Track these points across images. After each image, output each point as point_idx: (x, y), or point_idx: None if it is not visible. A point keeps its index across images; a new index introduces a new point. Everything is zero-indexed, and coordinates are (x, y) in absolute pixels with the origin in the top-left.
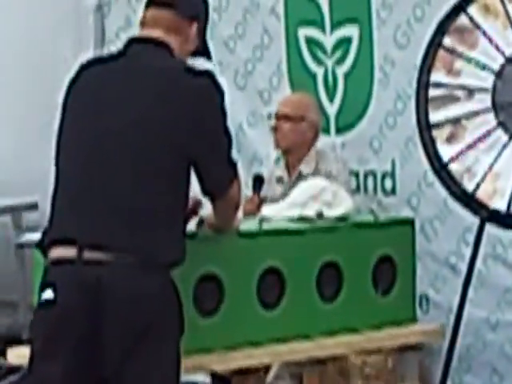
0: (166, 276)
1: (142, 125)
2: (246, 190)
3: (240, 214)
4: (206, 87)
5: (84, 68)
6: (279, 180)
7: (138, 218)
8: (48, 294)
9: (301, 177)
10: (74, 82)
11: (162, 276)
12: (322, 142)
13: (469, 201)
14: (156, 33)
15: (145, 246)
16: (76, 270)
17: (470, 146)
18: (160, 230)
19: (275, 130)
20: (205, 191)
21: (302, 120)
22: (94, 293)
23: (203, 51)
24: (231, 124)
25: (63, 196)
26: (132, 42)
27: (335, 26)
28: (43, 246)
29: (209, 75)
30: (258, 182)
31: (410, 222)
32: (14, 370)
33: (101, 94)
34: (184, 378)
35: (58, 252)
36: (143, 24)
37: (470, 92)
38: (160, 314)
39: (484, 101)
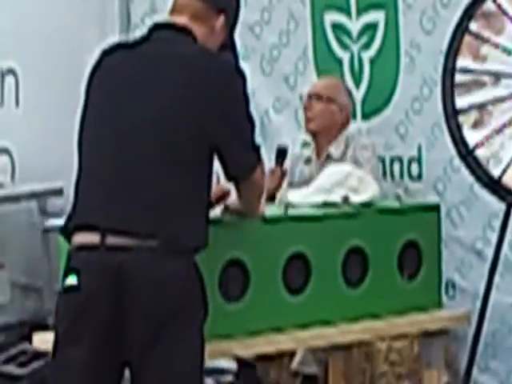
0: (189, 261)
1: (164, 111)
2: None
3: (264, 200)
4: (228, 72)
5: (106, 54)
6: (307, 161)
7: (161, 204)
8: (71, 279)
9: (329, 159)
10: (96, 67)
11: (185, 261)
12: (348, 127)
13: (495, 186)
14: (181, 19)
15: (168, 231)
16: (99, 256)
17: (496, 132)
18: (183, 215)
19: (306, 109)
20: (228, 176)
21: (333, 101)
22: (117, 279)
23: (229, 46)
24: (257, 110)
25: (86, 182)
26: (156, 27)
27: (361, 11)
28: (67, 231)
29: (231, 61)
30: (282, 154)
31: (435, 208)
32: (39, 355)
33: (123, 80)
34: (208, 363)
35: (81, 238)
36: (172, 11)
37: (497, 77)
38: (184, 299)
39: (510, 86)
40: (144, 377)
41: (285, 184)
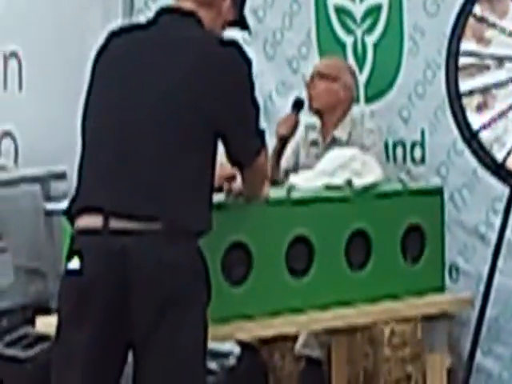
0: (192, 244)
1: (169, 95)
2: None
3: (267, 189)
4: (233, 57)
5: (113, 36)
6: (313, 143)
7: (165, 187)
8: (74, 263)
9: (335, 141)
10: (102, 50)
11: (188, 244)
12: (352, 110)
13: (498, 170)
14: (187, 4)
15: (171, 214)
16: (102, 239)
17: (499, 115)
18: (186, 198)
19: (308, 87)
20: (232, 161)
21: (336, 80)
22: (120, 262)
23: (240, 22)
24: (260, 93)
25: (90, 165)
26: (162, 12)
27: None
28: (70, 214)
29: (236, 46)
30: (298, 105)
31: (439, 191)
32: (42, 338)
33: (128, 64)
34: (212, 346)
35: (84, 221)
36: None
37: (500, 61)
38: (187, 283)
39: None
40: (147, 359)
41: (296, 145)
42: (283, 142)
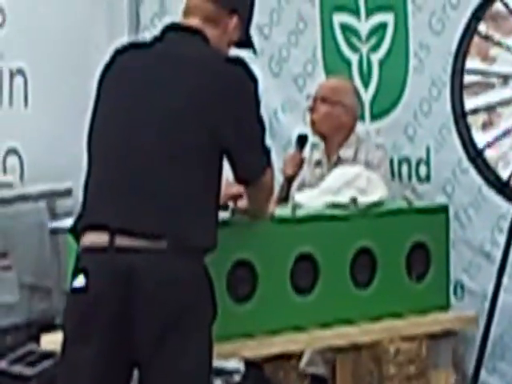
0: (198, 262)
1: (175, 112)
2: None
3: (273, 205)
4: (240, 75)
5: (119, 53)
6: (318, 163)
7: (171, 205)
8: (80, 280)
9: (340, 161)
10: (108, 67)
11: (194, 262)
12: (357, 128)
13: (503, 188)
14: (193, 22)
15: (177, 232)
16: (108, 257)
17: (504, 133)
18: (192, 216)
19: (311, 111)
20: (238, 178)
21: (338, 104)
22: (126, 280)
23: (246, 42)
24: (265, 110)
25: (96, 182)
26: (168, 29)
27: (370, 12)
28: (76, 231)
29: (242, 63)
30: (302, 140)
31: (444, 209)
32: (47, 355)
33: (134, 81)
34: (217, 364)
35: (90, 238)
36: (184, 13)
37: (505, 79)
38: (192, 300)
39: None
40: (152, 377)
41: (303, 171)
42: (290, 181)
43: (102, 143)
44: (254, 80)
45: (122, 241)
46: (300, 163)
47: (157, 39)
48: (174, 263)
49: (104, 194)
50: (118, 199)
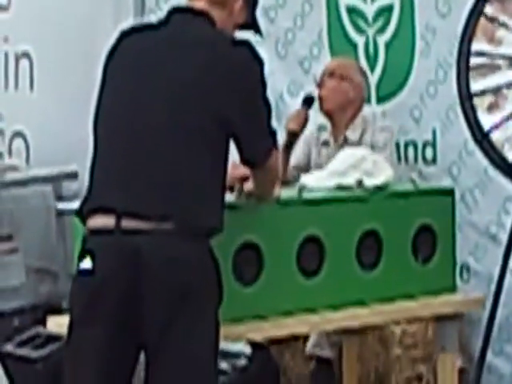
0: (204, 244)
1: (181, 95)
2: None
3: (278, 189)
4: (246, 58)
5: (124, 36)
6: (325, 143)
7: (177, 187)
8: (86, 263)
9: (347, 142)
10: (113, 50)
11: (200, 244)
12: (364, 111)
13: (510, 170)
14: (199, 4)
15: (183, 214)
16: (114, 239)
17: (510, 115)
18: (198, 198)
19: (318, 86)
20: (244, 161)
21: (345, 79)
22: (133, 262)
23: (252, 25)
24: (271, 93)
25: (102, 164)
26: (174, 11)
27: None
28: (82, 214)
29: (248, 46)
30: (308, 101)
31: (450, 192)
32: (53, 338)
33: (141, 63)
34: (223, 346)
35: (96, 221)
36: None
37: (511, 61)
38: (199, 282)
39: None
40: (159, 359)
41: (307, 129)
42: (293, 137)
43: (108, 126)
44: (260, 62)
45: (128, 223)
46: (304, 121)
47: (162, 22)
48: (180, 245)
49: (110, 176)
50: (124, 182)
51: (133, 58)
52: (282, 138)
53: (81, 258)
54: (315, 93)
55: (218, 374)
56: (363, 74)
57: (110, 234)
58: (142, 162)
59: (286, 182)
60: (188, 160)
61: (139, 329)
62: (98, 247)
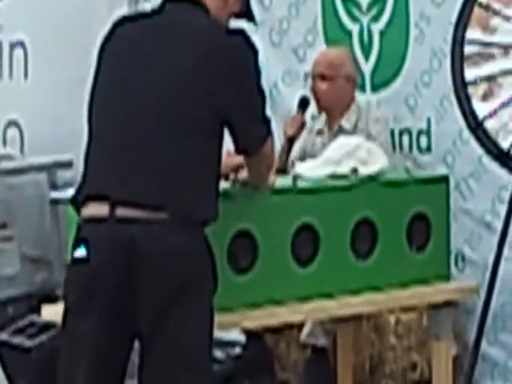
0: (199, 233)
1: (175, 83)
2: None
3: (273, 177)
4: (240, 46)
5: (118, 25)
6: (319, 132)
7: (171, 175)
8: (81, 251)
9: (341, 130)
10: (107, 39)
11: (195, 233)
12: (358, 99)
13: (504, 158)
14: None
15: (178, 203)
16: (109, 228)
17: (505, 104)
18: (193, 187)
19: (313, 90)
20: (238, 149)
21: (337, 78)
22: (127, 251)
23: (246, 14)
24: (266, 81)
25: (96, 153)
26: (169, 0)
27: None
28: (76, 202)
29: (242, 34)
30: (304, 103)
31: (444, 180)
32: (48, 326)
33: (135, 52)
34: (217, 335)
35: (90, 209)
36: None
37: (506, 49)
38: (194, 272)
39: None
40: (154, 348)
41: (302, 134)
42: (291, 141)
43: (103, 115)
44: (255, 51)
45: (122, 211)
46: (301, 125)
47: (156, 10)
48: (176, 234)
49: (104, 164)
50: (118, 170)
51: (128, 45)
52: (277, 128)
53: (75, 246)
54: (310, 95)
55: (212, 363)
56: (353, 60)
57: (104, 222)
58: (136, 150)
59: (281, 171)
60: (183, 149)
61: (134, 318)
62: (92, 235)
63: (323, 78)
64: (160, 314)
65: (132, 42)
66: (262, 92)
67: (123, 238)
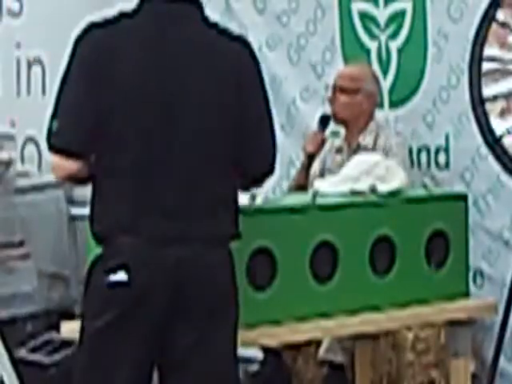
0: (228, 250)
1: (205, 109)
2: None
3: None
4: (248, 62)
5: (94, 27)
6: (338, 150)
7: (202, 194)
8: (120, 275)
9: (360, 148)
10: (95, 47)
11: (224, 250)
12: (376, 116)
13: None
14: None
15: (209, 221)
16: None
17: None
18: (221, 205)
19: (331, 101)
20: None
21: (357, 92)
22: (171, 275)
23: None
24: (284, 99)
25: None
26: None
27: None
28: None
29: (243, 41)
30: (324, 120)
31: (463, 197)
32: (66, 343)
33: (149, 73)
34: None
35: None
36: None
37: None
38: (226, 291)
39: None
40: (186, 375)
41: (322, 152)
42: (311, 158)
43: (129, 130)
44: (255, 57)
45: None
46: (321, 142)
47: (136, 10)
48: (208, 252)
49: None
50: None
51: (137, 64)
52: (293, 146)
53: (113, 269)
54: (328, 109)
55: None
56: (375, 78)
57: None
58: (166, 169)
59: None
60: (211, 170)
61: (164, 345)
62: (132, 258)
63: (343, 90)
64: (196, 341)
65: (143, 62)
66: (267, 102)
67: (171, 262)
